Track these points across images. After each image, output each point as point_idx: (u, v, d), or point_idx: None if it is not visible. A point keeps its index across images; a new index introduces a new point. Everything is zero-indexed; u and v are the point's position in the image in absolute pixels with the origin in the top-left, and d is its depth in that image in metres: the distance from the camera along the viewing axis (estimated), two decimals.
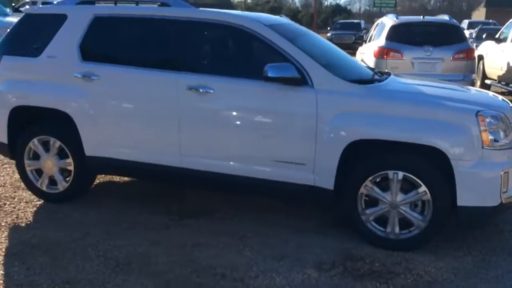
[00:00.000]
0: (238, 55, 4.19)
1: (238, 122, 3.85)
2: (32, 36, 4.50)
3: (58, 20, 4.37)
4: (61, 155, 4.41)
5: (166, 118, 4.01)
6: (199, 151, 3.99)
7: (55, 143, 4.37)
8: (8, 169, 5.43)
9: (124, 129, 4.17)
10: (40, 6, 4.83)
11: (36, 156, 4.51)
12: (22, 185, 4.88)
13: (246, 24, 3.88)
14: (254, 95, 3.81)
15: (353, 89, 3.65)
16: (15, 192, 4.79)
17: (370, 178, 3.58)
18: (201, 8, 4.23)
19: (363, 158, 3.61)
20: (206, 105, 3.90)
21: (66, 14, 4.35)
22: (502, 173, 3.41)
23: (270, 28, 3.87)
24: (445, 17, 9.86)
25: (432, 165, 3.48)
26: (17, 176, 5.15)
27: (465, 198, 3.43)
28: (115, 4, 4.45)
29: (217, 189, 4.34)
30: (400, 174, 3.50)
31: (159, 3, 4.31)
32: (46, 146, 4.45)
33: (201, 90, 3.86)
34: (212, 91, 3.84)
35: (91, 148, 4.27)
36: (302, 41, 4.07)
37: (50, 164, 4.45)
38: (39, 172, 4.55)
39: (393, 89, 3.93)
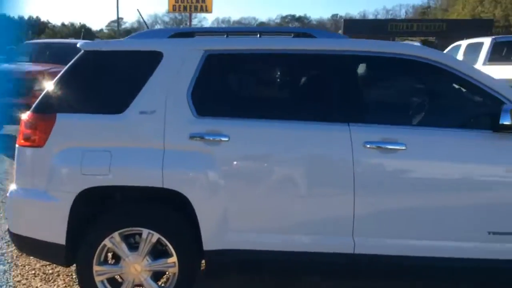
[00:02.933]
0: (429, 98, 3.26)
1: (444, 188, 2.90)
2: (102, 83, 3.14)
3: (147, 60, 3.09)
4: (156, 253, 3.03)
5: (335, 188, 2.93)
6: (383, 229, 2.95)
7: (151, 237, 2.97)
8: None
9: (270, 208, 2.96)
10: (111, 40, 3.30)
11: (111, 259, 3.06)
12: None
13: (433, 57, 3.02)
14: (470, 149, 2.92)
15: None
16: None
17: None
18: (360, 39, 3.26)
19: None
20: (394, 167, 2.92)
21: (161, 51, 3.09)
22: None
23: (460, 61, 3.09)
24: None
25: None
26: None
27: None
28: (227, 36, 3.30)
29: (404, 278, 3.26)
30: None
31: (294, 34, 3.27)
32: (131, 242, 3.04)
33: (387, 147, 2.89)
34: (403, 148, 2.89)
35: (214, 240, 2.97)
36: None
37: (138, 268, 3.02)
38: (112, 282, 3.09)
39: None
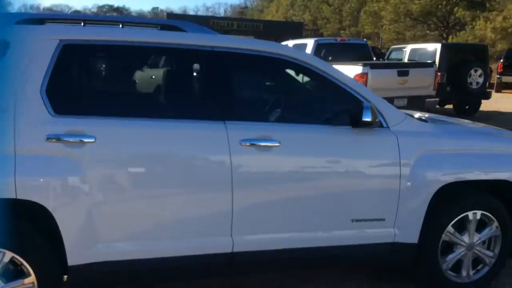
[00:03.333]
0: (299, 96, 3.32)
1: (316, 182, 3.04)
2: None
3: None
4: (8, 275, 2.59)
5: (213, 188, 2.84)
6: (261, 226, 2.96)
7: (2, 257, 2.54)
8: None
9: (144, 214, 2.76)
10: None
11: None
12: None
13: (304, 59, 3.11)
14: (336, 144, 3.08)
15: (426, 128, 3.37)
16: None
17: (452, 223, 3.32)
18: (229, 36, 3.16)
19: (446, 202, 3.31)
20: (270, 164, 2.94)
21: (6, 40, 2.64)
22: None
23: (326, 63, 3.22)
24: None
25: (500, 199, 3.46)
26: None
27: None
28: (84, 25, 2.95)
29: (283, 270, 3.28)
30: (479, 214, 3.36)
31: (161, 26, 3.05)
32: None
33: (263, 144, 2.89)
34: (278, 144, 2.92)
35: (81, 254, 2.66)
36: None
37: None
38: None
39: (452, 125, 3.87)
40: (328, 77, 3.12)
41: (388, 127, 3.18)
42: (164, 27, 3.15)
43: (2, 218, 2.61)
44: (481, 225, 3.41)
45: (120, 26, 3.07)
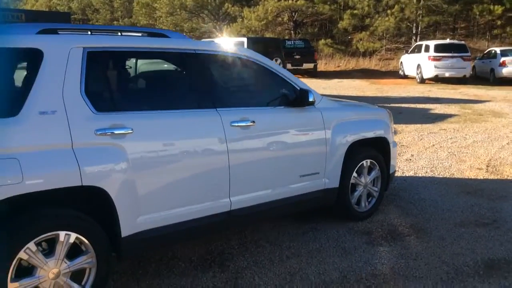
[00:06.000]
0: (255, 85, 4.16)
1: (279, 149, 4.01)
2: None
3: (27, 58, 2.94)
4: (70, 253, 2.99)
5: (217, 160, 3.61)
6: (247, 187, 3.82)
7: (68, 238, 2.93)
8: None
9: (173, 187, 3.38)
10: None
11: (26, 271, 2.82)
12: None
13: (251, 55, 4.02)
14: (288, 120, 4.09)
15: (334, 104, 4.61)
16: None
17: (356, 170, 4.66)
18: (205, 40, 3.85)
19: (352, 155, 4.60)
20: (250, 138, 3.81)
21: (41, 49, 2.95)
22: None
23: (271, 61, 4.18)
24: None
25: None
26: None
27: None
28: (91, 33, 3.33)
29: (261, 220, 4.11)
30: (368, 162, 4.79)
31: (148, 34, 3.59)
32: (45, 248, 2.89)
33: (244, 124, 3.75)
34: (254, 124, 3.81)
35: (131, 225, 3.17)
36: None
37: (56, 272, 2.90)
38: None
39: (345, 102, 5.16)
40: (276, 72, 4.12)
41: (314, 105, 4.33)
42: (152, 34, 3.69)
43: (68, 204, 2.99)
44: (370, 169, 4.84)
45: (119, 34, 3.51)
